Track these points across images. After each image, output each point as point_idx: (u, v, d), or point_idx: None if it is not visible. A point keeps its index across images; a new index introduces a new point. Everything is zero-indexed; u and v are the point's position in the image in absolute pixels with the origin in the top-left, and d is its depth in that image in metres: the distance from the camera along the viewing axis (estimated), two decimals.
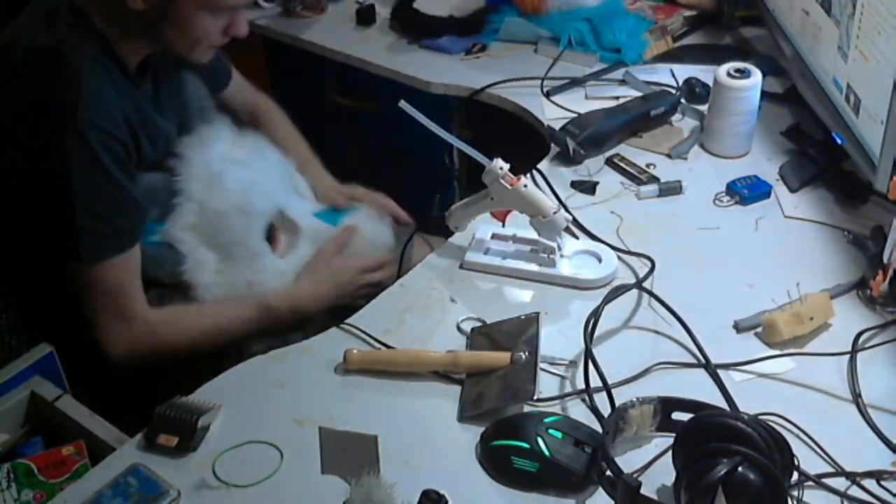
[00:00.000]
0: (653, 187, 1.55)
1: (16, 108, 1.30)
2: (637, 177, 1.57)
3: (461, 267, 1.42)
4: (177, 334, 1.42)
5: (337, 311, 1.43)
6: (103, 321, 1.37)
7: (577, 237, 1.39)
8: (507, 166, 1.36)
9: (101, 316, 1.37)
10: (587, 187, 1.56)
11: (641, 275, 1.37)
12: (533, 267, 1.39)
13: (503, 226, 1.44)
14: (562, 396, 1.20)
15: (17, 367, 1.30)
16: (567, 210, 1.46)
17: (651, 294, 1.33)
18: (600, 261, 1.39)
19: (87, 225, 1.32)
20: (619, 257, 1.40)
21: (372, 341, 1.29)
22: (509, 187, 1.35)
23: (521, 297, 1.38)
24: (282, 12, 2.13)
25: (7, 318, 1.43)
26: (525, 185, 1.35)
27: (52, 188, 1.30)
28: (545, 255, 1.38)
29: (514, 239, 1.43)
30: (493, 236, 1.45)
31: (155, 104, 1.46)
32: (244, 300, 1.47)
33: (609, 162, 1.61)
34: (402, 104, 1.36)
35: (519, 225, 1.44)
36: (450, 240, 1.48)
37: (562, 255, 1.39)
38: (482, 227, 1.46)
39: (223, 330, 1.44)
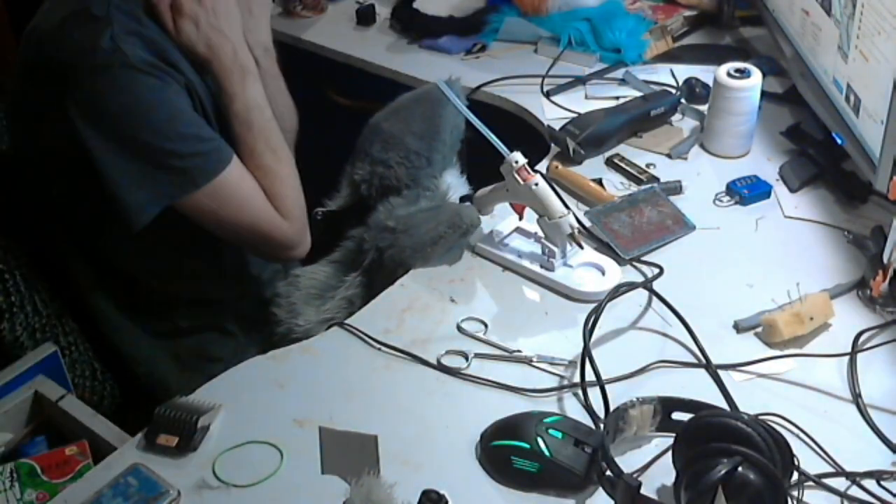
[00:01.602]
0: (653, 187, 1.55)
1: (66, 69, 1.29)
2: (637, 177, 1.57)
3: (473, 251, 1.44)
4: (298, 198, 1.46)
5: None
6: (264, 231, 1.41)
7: (581, 246, 1.38)
8: (523, 161, 1.36)
9: (258, 226, 1.41)
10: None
11: (644, 278, 1.37)
12: (535, 267, 1.39)
13: (520, 219, 1.45)
14: (558, 388, 1.21)
15: (21, 367, 1.30)
16: (579, 221, 1.43)
17: (653, 292, 1.33)
18: (604, 273, 1.38)
19: (184, 151, 1.31)
20: (629, 262, 1.40)
21: (371, 341, 1.29)
22: (521, 182, 1.36)
23: (522, 297, 1.38)
24: (282, 12, 2.13)
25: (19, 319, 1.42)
26: (536, 184, 1.35)
27: (132, 127, 1.30)
28: (545, 257, 1.39)
29: (536, 237, 1.42)
30: (517, 230, 1.45)
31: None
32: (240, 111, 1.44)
33: (609, 162, 1.61)
34: (439, 82, 1.39)
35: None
36: None
37: (566, 263, 1.39)
38: (508, 219, 1.47)
39: (288, 163, 1.47)
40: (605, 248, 1.43)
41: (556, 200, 1.36)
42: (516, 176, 1.36)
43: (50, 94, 1.28)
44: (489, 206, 1.48)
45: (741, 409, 1.15)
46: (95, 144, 1.28)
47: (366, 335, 1.30)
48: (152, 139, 1.29)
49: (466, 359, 1.26)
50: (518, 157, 1.36)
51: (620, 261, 1.40)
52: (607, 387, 1.18)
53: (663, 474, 1.07)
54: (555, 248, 1.37)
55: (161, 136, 1.30)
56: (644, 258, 1.41)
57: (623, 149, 1.66)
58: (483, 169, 1.49)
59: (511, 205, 1.44)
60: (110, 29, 1.27)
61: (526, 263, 1.40)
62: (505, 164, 1.37)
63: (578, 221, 1.41)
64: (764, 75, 1.60)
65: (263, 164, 1.41)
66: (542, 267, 1.39)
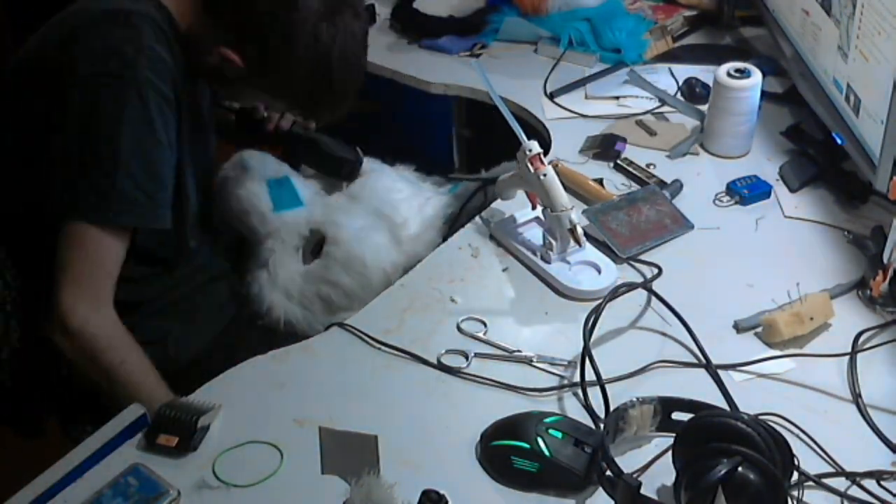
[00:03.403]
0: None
1: (77, 57, 1.28)
2: (641, 179, 1.57)
3: (490, 236, 1.47)
4: (106, 353, 1.33)
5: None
6: (70, 292, 1.30)
7: (580, 244, 1.39)
8: (537, 150, 1.37)
9: (71, 285, 1.30)
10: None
11: (644, 279, 1.37)
12: (534, 256, 1.40)
13: (533, 207, 1.46)
14: (558, 388, 1.21)
15: (112, 431, 1.20)
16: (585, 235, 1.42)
17: (653, 293, 1.33)
18: (600, 272, 1.39)
19: (124, 184, 1.29)
20: (628, 264, 1.40)
21: (372, 341, 1.29)
22: (531, 171, 1.36)
23: (522, 297, 1.38)
24: None
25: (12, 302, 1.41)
26: (544, 174, 1.36)
27: (99, 137, 1.28)
28: (545, 248, 1.39)
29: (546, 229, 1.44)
30: (536, 220, 1.46)
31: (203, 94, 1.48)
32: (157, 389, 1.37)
33: (616, 165, 1.61)
34: (473, 63, 1.43)
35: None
36: (459, 232, 1.50)
37: (563, 259, 1.39)
38: (527, 209, 1.48)
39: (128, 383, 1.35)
40: (602, 246, 1.43)
41: (561, 194, 1.36)
42: (528, 164, 1.37)
43: (55, 70, 1.29)
44: (509, 191, 1.50)
45: (741, 409, 1.15)
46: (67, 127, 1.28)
47: (366, 335, 1.30)
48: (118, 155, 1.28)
49: (466, 358, 1.26)
50: (533, 146, 1.37)
51: (618, 260, 1.41)
52: (607, 387, 1.18)
53: (663, 474, 1.07)
54: (553, 241, 1.38)
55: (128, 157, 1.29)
56: (643, 257, 1.41)
57: (625, 150, 1.65)
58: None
59: (527, 193, 1.46)
60: (140, 40, 1.28)
61: (527, 252, 1.41)
62: (520, 151, 1.38)
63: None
64: (764, 75, 1.60)
65: None
66: (540, 257, 1.39)
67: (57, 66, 1.30)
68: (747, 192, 1.53)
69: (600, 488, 1.03)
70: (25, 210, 1.38)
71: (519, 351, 1.28)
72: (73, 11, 1.36)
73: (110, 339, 1.34)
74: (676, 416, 1.11)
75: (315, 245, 1.56)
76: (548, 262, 1.39)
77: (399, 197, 1.61)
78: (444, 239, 1.53)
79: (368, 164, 1.68)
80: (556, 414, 1.15)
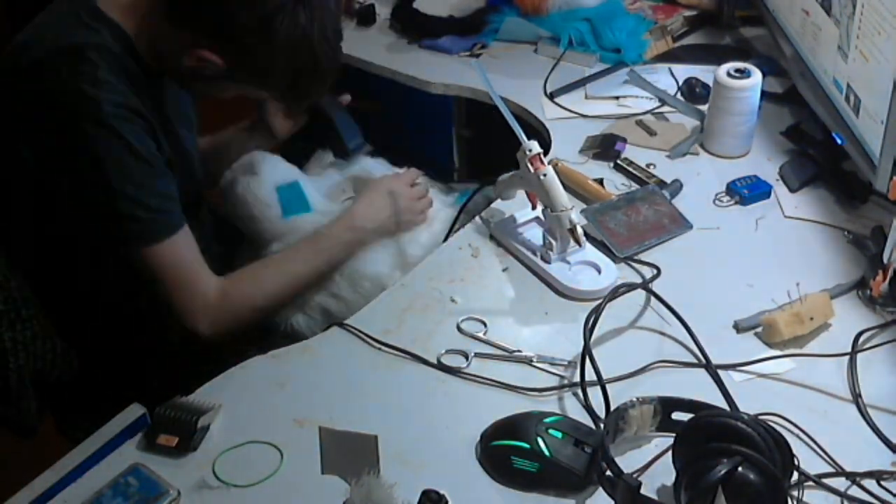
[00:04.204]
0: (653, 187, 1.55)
1: (38, 106, 1.30)
2: (642, 179, 1.57)
3: (491, 236, 1.47)
4: (252, 293, 1.45)
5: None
6: (177, 301, 1.39)
7: (580, 244, 1.39)
8: (537, 150, 1.37)
9: (173, 296, 1.39)
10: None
11: (643, 279, 1.37)
12: (534, 256, 1.40)
13: (533, 207, 1.46)
14: (558, 388, 1.21)
15: (112, 431, 1.21)
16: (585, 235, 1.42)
17: (652, 293, 1.33)
18: (600, 272, 1.39)
19: (127, 212, 1.32)
20: (627, 264, 1.40)
21: (372, 341, 1.29)
22: (531, 171, 1.36)
23: (522, 297, 1.38)
24: None
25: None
26: (544, 174, 1.36)
27: (90, 180, 1.31)
28: (545, 248, 1.39)
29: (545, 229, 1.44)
30: (536, 220, 1.46)
31: (171, 104, 1.47)
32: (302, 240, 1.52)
33: (616, 165, 1.61)
34: (474, 64, 1.47)
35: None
36: (459, 232, 1.50)
37: (563, 259, 1.39)
38: (527, 209, 1.48)
39: (293, 274, 1.49)
40: (602, 246, 1.43)
41: (561, 194, 1.36)
42: (528, 164, 1.37)
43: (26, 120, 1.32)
44: (509, 191, 1.50)
45: (741, 409, 1.15)
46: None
47: (366, 335, 1.30)
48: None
49: (466, 358, 1.26)
50: (533, 146, 1.37)
51: (616, 259, 1.41)
52: (607, 386, 1.17)
53: (663, 474, 1.07)
54: (553, 241, 1.38)
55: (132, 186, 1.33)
56: (642, 257, 1.41)
57: (626, 150, 1.65)
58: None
59: (527, 193, 1.46)
60: (96, 72, 1.29)
61: (527, 252, 1.41)
62: (520, 151, 1.38)
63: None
64: (764, 75, 1.60)
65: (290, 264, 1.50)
66: (540, 257, 1.39)
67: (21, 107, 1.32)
68: (747, 192, 1.53)
69: (600, 488, 1.03)
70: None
71: (519, 351, 1.28)
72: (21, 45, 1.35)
73: (235, 302, 1.43)
74: (676, 416, 1.11)
75: None
76: (548, 262, 1.39)
77: None
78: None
79: (379, 166, 1.68)
80: (556, 414, 1.15)
